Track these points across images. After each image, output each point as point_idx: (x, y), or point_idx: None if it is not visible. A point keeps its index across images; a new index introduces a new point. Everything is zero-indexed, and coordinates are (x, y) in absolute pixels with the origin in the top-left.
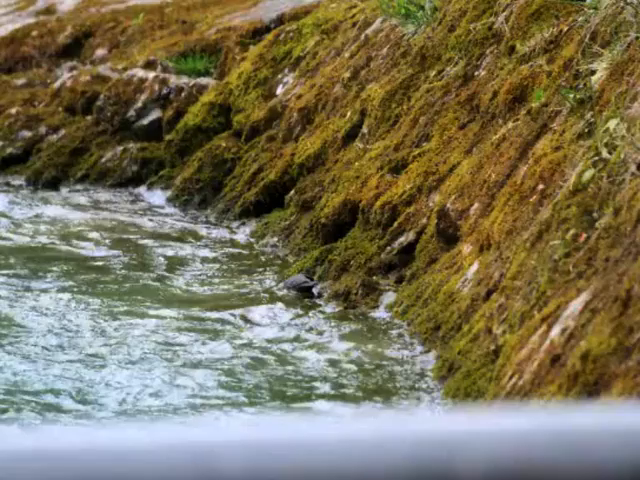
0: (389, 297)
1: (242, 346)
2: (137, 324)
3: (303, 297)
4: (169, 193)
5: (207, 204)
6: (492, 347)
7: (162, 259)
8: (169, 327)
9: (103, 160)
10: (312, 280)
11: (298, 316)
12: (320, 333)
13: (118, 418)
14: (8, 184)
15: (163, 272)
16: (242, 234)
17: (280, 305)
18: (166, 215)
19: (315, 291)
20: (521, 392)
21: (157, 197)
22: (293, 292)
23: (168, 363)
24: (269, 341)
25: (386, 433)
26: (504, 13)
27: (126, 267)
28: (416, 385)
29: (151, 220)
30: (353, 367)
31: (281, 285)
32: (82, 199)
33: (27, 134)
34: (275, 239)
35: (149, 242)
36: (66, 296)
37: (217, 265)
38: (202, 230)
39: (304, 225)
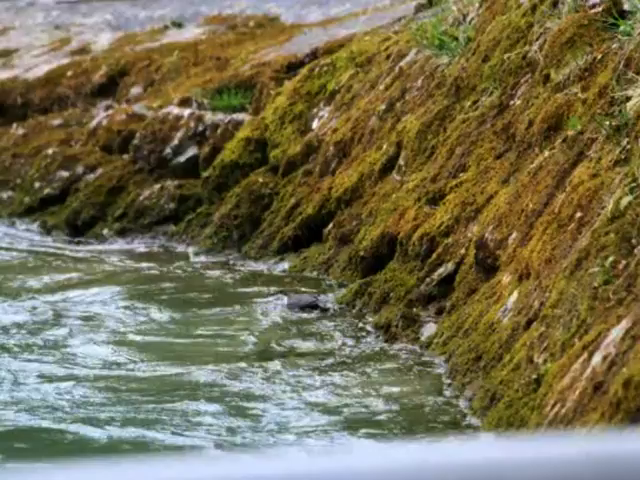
0: (429, 329)
1: (283, 379)
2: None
3: (345, 329)
4: (207, 230)
5: (245, 240)
6: (534, 376)
7: (200, 296)
8: (226, 361)
9: (141, 198)
10: (317, 297)
11: (339, 348)
12: (361, 365)
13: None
14: (45, 224)
15: (203, 308)
16: (281, 269)
17: (320, 335)
18: (205, 251)
19: (321, 305)
20: (564, 420)
21: (196, 233)
22: (297, 311)
23: (226, 397)
24: (313, 369)
25: (432, 462)
26: (538, 42)
27: (169, 303)
28: (458, 416)
29: (188, 259)
30: (395, 399)
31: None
32: (120, 238)
33: (64, 174)
34: (314, 273)
35: (187, 282)
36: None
37: (258, 299)
38: (241, 266)
39: (343, 258)
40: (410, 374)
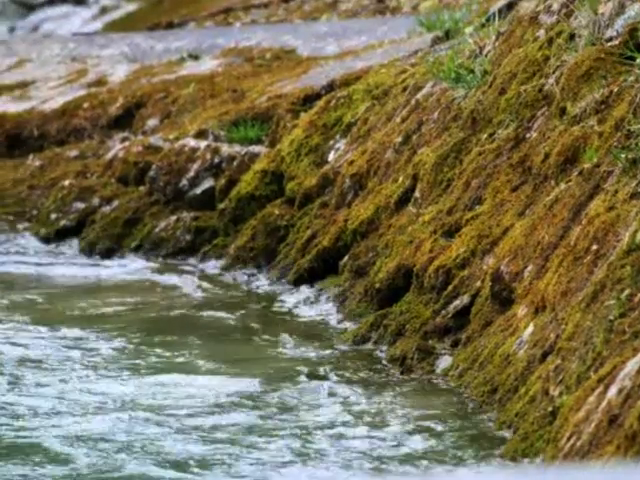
0: (445, 361)
1: (306, 413)
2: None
3: (363, 363)
4: (223, 262)
5: (261, 272)
6: (549, 409)
7: (214, 328)
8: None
9: (157, 230)
10: None
11: (355, 381)
12: (378, 398)
13: None
14: (62, 255)
15: (215, 341)
16: (295, 300)
17: (335, 371)
18: (220, 284)
19: None
20: (579, 453)
21: (211, 266)
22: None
23: (243, 429)
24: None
25: None
26: (554, 75)
27: (181, 332)
28: (474, 448)
29: (204, 289)
30: (411, 431)
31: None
32: (136, 270)
33: (80, 206)
34: (330, 305)
35: (202, 311)
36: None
37: (273, 332)
38: (256, 298)
39: (359, 291)
40: (426, 404)
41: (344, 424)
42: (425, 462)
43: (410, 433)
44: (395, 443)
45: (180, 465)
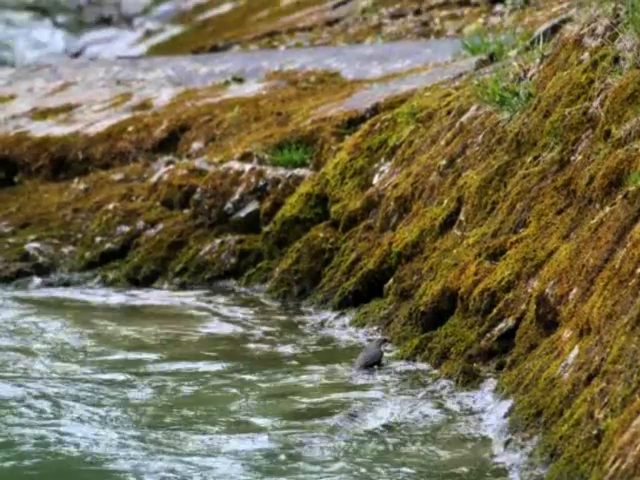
0: (490, 384)
1: (354, 434)
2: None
3: (404, 383)
4: (268, 285)
5: (306, 295)
6: (594, 432)
7: (259, 353)
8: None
9: (201, 253)
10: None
11: (403, 402)
12: (425, 421)
13: None
14: (106, 279)
15: (262, 367)
16: (341, 324)
17: (379, 393)
18: (265, 307)
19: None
20: (624, 476)
21: (256, 289)
22: (365, 370)
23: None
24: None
25: None
26: (599, 97)
27: (224, 358)
28: (521, 472)
29: (250, 313)
30: (457, 457)
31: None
32: (181, 293)
33: (125, 229)
34: (375, 328)
35: (247, 335)
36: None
37: (319, 355)
38: (301, 322)
39: (403, 314)
40: (469, 427)
41: (393, 445)
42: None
43: (455, 459)
44: (437, 467)
45: None
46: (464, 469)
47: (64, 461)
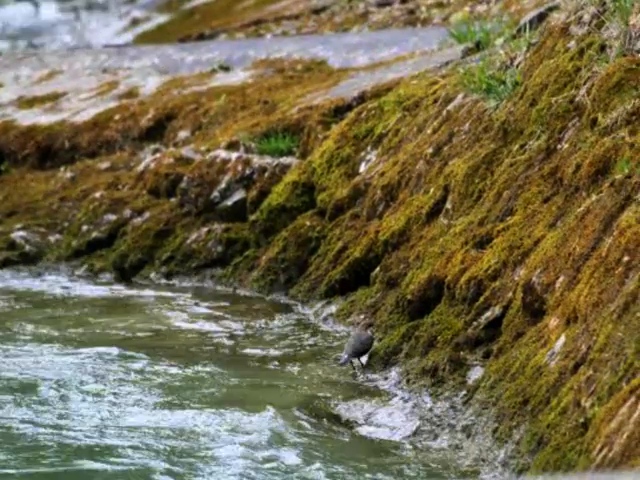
0: (477, 372)
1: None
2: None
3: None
4: (254, 273)
5: (293, 283)
6: (581, 420)
7: (244, 343)
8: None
9: (188, 242)
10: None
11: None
12: (415, 411)
13: None
14: (92, 267)
15: (255, 359)
16: (327, 312)
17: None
18: (251, 295)
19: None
20: (611, 464)
21: (243, 277)
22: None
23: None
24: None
25: None
26: (585, 86)
27: (218, 344)
28: (506, 459)
29: (236, 302)
30: (444, 445)
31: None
32: (167, 282)
33: (112, 217)
34: (361, 317)
35: (232, 326)
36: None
37: (307, 346)
38: (287, 310)
39: (390, 302)
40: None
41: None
42: (458, 475)
43: (442, 446)
44: (422, 456)
45: None
46: None
47: None
